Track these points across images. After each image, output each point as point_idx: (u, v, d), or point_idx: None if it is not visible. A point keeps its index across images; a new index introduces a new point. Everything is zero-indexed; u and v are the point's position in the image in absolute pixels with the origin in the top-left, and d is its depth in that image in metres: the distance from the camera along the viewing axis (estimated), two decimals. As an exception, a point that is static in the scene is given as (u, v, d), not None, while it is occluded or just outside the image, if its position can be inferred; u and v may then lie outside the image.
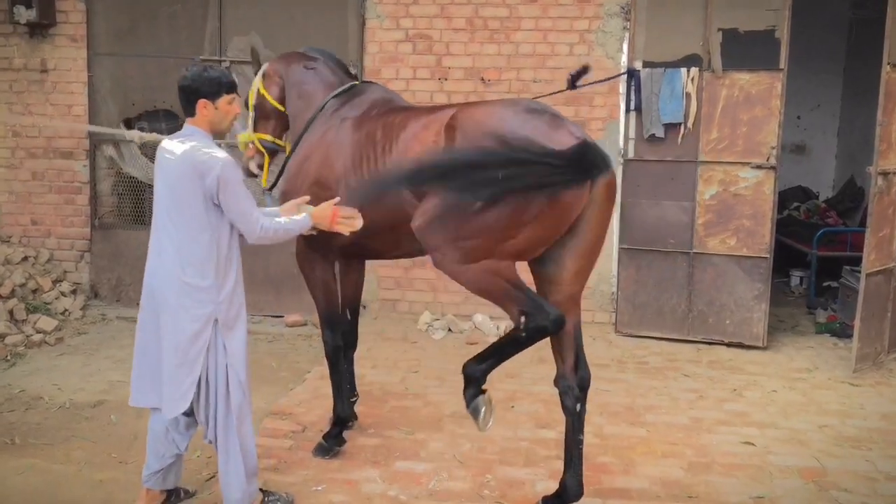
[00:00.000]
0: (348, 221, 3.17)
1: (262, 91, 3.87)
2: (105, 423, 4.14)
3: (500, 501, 3.33)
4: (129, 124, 6.45)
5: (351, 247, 3.52)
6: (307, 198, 3.29)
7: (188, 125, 2.97)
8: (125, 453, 3.74)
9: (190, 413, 3.08)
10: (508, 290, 2.93)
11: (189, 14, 6.28)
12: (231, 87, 2.97)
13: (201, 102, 2.91)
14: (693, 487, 3.48)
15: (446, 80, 6.05)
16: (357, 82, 3.85)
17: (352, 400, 3.98)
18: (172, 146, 2.93)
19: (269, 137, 3.90)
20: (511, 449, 3.85)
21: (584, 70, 3.53)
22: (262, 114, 3.91)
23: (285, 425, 4.07)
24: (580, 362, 3.12)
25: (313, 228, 3.15)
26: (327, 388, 4.46)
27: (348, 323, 3.94)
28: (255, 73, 3.95)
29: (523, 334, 2.93)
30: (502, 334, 5.76)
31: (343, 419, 3.85)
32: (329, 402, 4.17)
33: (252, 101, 3.91)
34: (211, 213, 2.89)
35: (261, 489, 3.18)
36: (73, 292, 6.31)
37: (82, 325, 5.97)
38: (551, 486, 3.27)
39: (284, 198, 3.65)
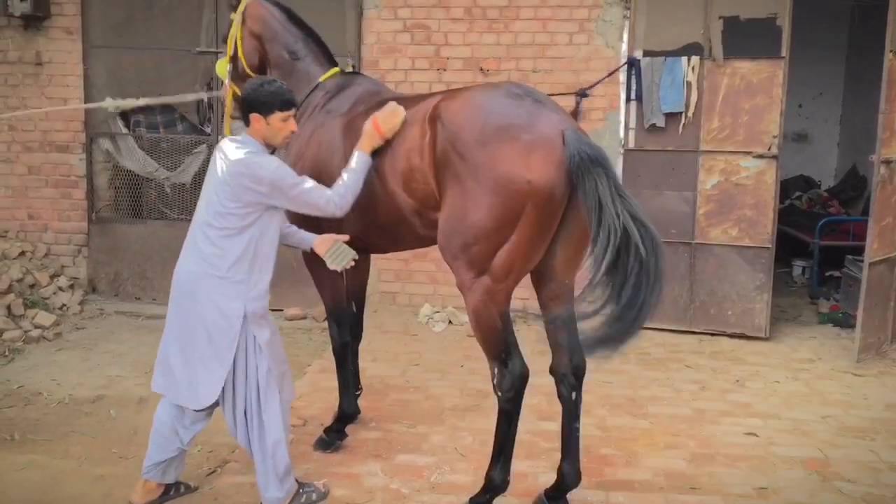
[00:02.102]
0: (391, 120, 3.13)
1: (240, 53, 3.82)
2: (104, 418, 4.12)
3: (502, 494, 3.31)
4: (125, 117, 6.41)
5: (355, 242, 3.51)
6: (346, 237, 3.30)
7: (245, 133, 3.01)
8: (125, 448, 3.72)
9: (199, 409, 3.06)
10: (496, 325, 2.92)
11: (185, 5, 6.22)
12: (286, 105, 2.96)
13: (254, 116, 2.94)
14: (696, 479, 3.47)
15: (445, 70, 6.00)
16: (337, 69, 3.78)
17: (356, 394, 3.96)
18: (228, 149, 2.95)
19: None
20: (513, 441, 3.83)
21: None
22: (237, 70, 3.85)
23: (286, 419, 4.05)
24: (575, 350, 3.11)
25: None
26: (327, 382, 4.46)
27: (354, 316, 3.92)
28: (233, 9, 3.86)
29: (505, 404, 2.98)
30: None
31: (348, 416, 3.83)
32: (329, 396, 4.15)
33: (230, 52, 3.84)
34: (256, 217, 2.92)
35: (296, 479, 3.18)
36: (71, 287, 6.27)
37: (80, 320, 5.94)
38: (553, 479, 3.25)
39: None
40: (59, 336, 5.55)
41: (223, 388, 2.96)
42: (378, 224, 3.33)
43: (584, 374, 3.13)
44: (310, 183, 3.00)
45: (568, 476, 3.14)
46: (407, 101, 3.32)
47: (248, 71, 3.82)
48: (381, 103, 3.42)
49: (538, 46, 5.91)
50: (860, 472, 3.54)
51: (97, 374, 4.76)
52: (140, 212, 6.49)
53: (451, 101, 3.00)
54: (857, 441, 3.88)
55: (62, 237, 6.53)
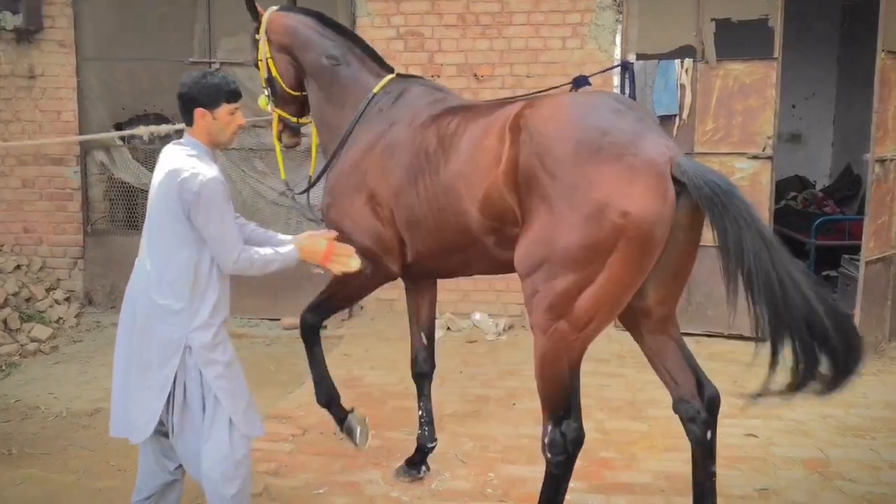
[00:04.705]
0: (343, 260, 2.82)
1: (275, 73, 3.46)
2: (102, 431, 4.07)
3: (503, 500, 3.30)
4: (119, 129, 6.41)
5: (415, 267, 3.19)
6: (334, 233, 2.91)
7: (186, 135, 2.70)
8: (123, 461, 3.70)
9: (134, 442, 2.81)
10: (563, 379, 2.56)
11: (177, 16, 6.23)
12: (233, 96, 2.66)
13: (198, 112, 2.63)
14: (697, 481, 3.46)
15: (439, 76, 6.01)
16: (394, 75, 3.42)
17: (431, 446, 3.54)
18: (168, 155, 2.67)
19: (291, 118, 3.53)
20: (513, 447, 3.82)
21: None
22: (276, 93, 3.50)
23: (285, 429, 4.03)
24: (702, 379, 2.71)
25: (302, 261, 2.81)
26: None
27: (426, 349, 3.54)
28: (256, 31, 3.49)
29: (554, 469, 2.65)
30: (501, 331, 5.75)
31: (329, 403, 3.46)
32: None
33: (263, 74, 3.50)
34: (193, 232, 2.61)
35: None
36: (67, 300, 6.26)
37: (77, 333, 5.93)
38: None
39: (329, 212, 3.29)
40: (56, 349, 5.54)
41: (171, 421, 2.69)
42: (445, 246, 2.96)
43: (719, 405, 2.71)
44: (233, 223, 2.66)
45: None
46: (479, 111, 2.94)
47: (288, 90, 3.48)
48: (446, 114, 3.05)
49: (532, 51, 5.93)
50: (861, 471, 3.55)
51: (94, 387, 4.74)
52: (136, 223, 6.46)
53: (539, 108, 2.61)
54: (857, 440, 3.88)
55: (57, 250, 6.51)
